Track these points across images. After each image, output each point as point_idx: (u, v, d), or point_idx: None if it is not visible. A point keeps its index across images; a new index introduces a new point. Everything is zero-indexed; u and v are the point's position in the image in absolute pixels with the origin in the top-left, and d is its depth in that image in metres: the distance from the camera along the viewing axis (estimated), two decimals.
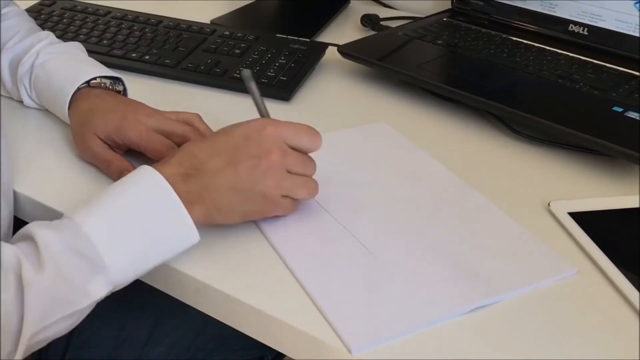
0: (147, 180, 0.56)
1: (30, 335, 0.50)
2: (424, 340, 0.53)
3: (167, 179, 0.55)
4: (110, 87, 0.76)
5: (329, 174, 0.70)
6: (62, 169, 0.72)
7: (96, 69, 0.75)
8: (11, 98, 0.81)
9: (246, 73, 0.62)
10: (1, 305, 0.49)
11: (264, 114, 0.64)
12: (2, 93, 0.81)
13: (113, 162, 0.69)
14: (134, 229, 0.54)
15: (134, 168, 0.68)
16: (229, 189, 0.58)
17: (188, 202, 0.55)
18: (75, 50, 0.80)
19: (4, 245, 0.51)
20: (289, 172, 0.59)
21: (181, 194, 0.55)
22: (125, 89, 0.77)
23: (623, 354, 0.53)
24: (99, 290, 0.53)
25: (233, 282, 0.58)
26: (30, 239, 0.52)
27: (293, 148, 0.60)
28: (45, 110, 0.79)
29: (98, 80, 0.75)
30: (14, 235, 0.55)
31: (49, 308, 0.51)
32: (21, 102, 0.80)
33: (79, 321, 0.54)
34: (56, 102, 0.75)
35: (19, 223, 0.69)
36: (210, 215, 0.58)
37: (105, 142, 0.69)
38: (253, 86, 0.63)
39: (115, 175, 0.68)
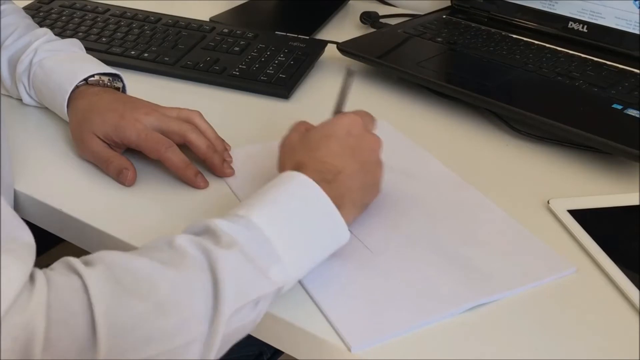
0: (301, 185, 0.56)
1: (228, 316, 0.47)
2: (423, 338, 0.53)
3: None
4: (109, 84, 0.75)
5: None
6: (62, 167, 0.71)
7: (94, 66, 0.75)
8: (10, 96, 0.81)
9: (354, 67, 0.67)
10: (189, 284, 0.47)
11: (341, 107, 0.66)
12: (2, 92, 0.81)
13: (112, 161, 0.68)
14: (295, 226, 0.54)
15: (133, 166, 0.68)
16: (360, 188, 0.60)
17: (335, 205, 0.56)
18: (73, 47, 0.80)
19: (174, 235, 0.50)
20: None
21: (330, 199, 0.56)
22: (124, 86, 0.77)
23: (623, 352, 0.53)
24: (278, 278, 0.51)
25: None
26: (203, 229, 0.52)
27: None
28: (45, 109, 0.79)
29: (96, 77, 0.75)
30: (183, 230, 0.53)
31: (241, 288, 0.49)
32: (20, 100, 0.80)
33: (262, 314, 0.52)
34: (55, 101, 0.74)
35: None
36: (349, 215, 0.59)
37: (104, 141, 0.69)
38: (350, 83, 0.66)
39: (114, 173, 0.68)
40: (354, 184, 0.59)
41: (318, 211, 0.55)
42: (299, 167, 0.58)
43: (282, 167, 0.61)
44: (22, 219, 0.68)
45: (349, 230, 0.57)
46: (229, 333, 0.49)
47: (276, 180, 0.57)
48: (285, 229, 0.53)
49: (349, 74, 0.66)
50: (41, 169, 0.71)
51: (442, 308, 0.55)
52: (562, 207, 0.67)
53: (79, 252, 0.70)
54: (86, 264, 0.48)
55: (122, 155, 0.69)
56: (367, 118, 0.64)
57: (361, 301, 0.55)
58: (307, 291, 0.56)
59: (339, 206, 0.56)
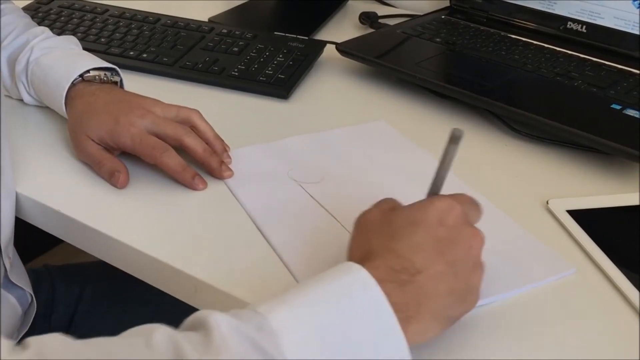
0: (361, 285, 0.45)
1: None
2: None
3: (380, 286, 0.45)
4: (105, 78, 0.75)
5: (328, 173, 0.70)
6: (62, 169, 0.71)
7: (90, 61, 0.75)
8: (10, 97, 0.81)
9: (458, 132, 0.52)
10: None
11: (439, 188, 0.54)
12: (3, 93, 0.81)
13: (105, 163, 0.68)
14: (329, 335, 0.43)
15: (126, 169, 0.68)
16: (448, 293, 0.47)
17: (404, 317, 0.45)
18: (69, 44, 0.79)
19: (160, 328, 0.42)
20: None
21: (396, 306, 0.44)
22: (121, 79, 0.77)
23: (622, 352, 0.53)
24: None
25: (231, 280, 0.58)
26: (200, 325, 0.43)
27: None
28: (45, 109, 0.79)
29: (93, 72, 0.74)
30: (183, 323, 0.45)
31: None
32: (20, 101, 0.80)
33: None
34: (53, 98, 0.74)
35: (18, 223, 0.69)
36: (427, 330, 0.47)
37: (99, 144, 0.69)
38: (454, 152, 0.52)
39: (106, 176, 0.68)
40: (438, 289, 0.47)
41: (372, 323, 0.44)
42: (367, 257, 0.47)
43: (351, 251, 0.51)
44: (22, 219, 0.69)
45: (348, 230, 0.49)
46: None
47: (332, 270, 0.46)
48: (313, 341, 0.42)
49: (454, 141, 0.51)
50: (41, 170, 0.71)
51: None
52: (561, 207, 0.67)
53: (78, 253, 0.71)
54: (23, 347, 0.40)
55: (116, 158, 0.69)
56: (469, 206, 0.52)
57: None
58: None
59: (410, 317, 0.45)
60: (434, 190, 0.53)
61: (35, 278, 0.80)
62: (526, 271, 0.59)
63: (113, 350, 0.40)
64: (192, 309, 0.60)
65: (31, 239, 0.76)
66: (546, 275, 0.59)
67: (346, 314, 0.44)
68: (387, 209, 0.52)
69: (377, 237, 0.49)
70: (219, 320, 0.42)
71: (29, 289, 0.73)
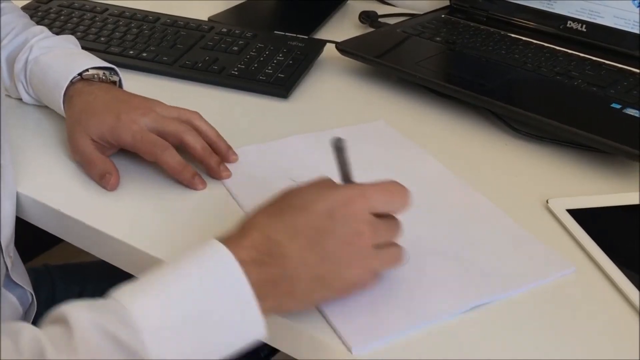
0: (216, 263, 0.47)
1: None
2: (423, 339, 0.53)
3: (240, 266, 0.47)
4: (104, 78, 0.75)
5: (328, 173, 0.69)
6: (61, 168, 0.71)
7: (88, 61, 0.75)
8: (10, 96, 0.81)
9: (339, 143, 0.54)
10: None
11: (347, 179, 0.55)
12: (2, 92, 0.81)
13: (97, 164, 0.68)
14: (190, 318, 0.45)
15: (117, 171, 0.67)
16: (310, 279, 0.50)
17: (260, 295, 0.47)
18: (68, 43, 0.79)
19: (23, 327, 0.44)
20: (375, 245, 0.52)
21: (254, 285, 0.47)
22: (120, 79, 0.77)
23: (621, 351, 0.53)
24: None
25: None
26: (62, 320, 0.44)
27: (380, 214, 0.52)
28: (45, 108, 0.79)
29: (91, 72, 0.74)
30: (45, 317, 0.46)
31: None
32: (20, 100, 0.80)
33: None
34: (52, 97, 0.74)
35: (18, 222, 0.69)
36: (280, 305, 0.50)
37: (98, 143, 0.69)
38: (343, 156, 0.54)
39: (97, 176, 0.68)
40: (301, 275, 0.49)
41: (229, 300, 0.46)
42: (242, 233, 0.50)
43: (246, 215, 0.53)
44: (22, 218, 0.69)
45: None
46: None
47: (196, 247, 0.49)
48: (172, 321, 0.45)
49: (337, 149, 0.54)
50: (41, 170, 0.71)
51: (442, 309, 0.55)
52: (561, 206, 0.67)
53: (78, 252, 0.71)
54: None
55: (109, 160, 0.69)
56: (381, 196, 0.52)
57: (360, 302, 0.55)
58: None
59: (266, 294, 0.48)
60: (345, 179, 0.54)
61: (36, 277, 0.80)
62: (526, 271, 0.59)
63: None
64: None
65: (31, 239, 0.76)
66: (546, 274, 0.59)
67: (207, 298, 0.46)
68: (311, 186, 0.53)
69: (265, 212, 0.52)
70: (79, 316, 0.43)
71: (29, 288, 0.73)
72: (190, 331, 0.45)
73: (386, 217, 0.53)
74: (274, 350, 0.91)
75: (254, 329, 0.48)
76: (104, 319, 0.44)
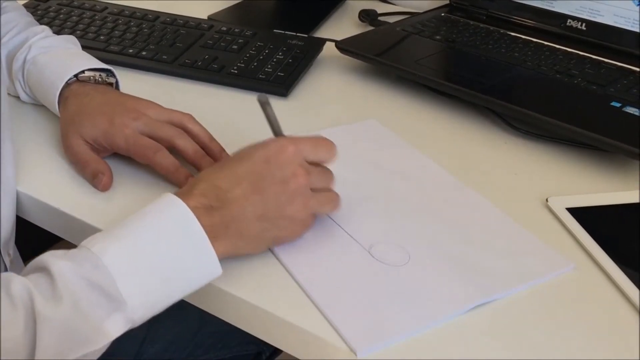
0: (171, 211, 0.54)
1: None
2: (425, 339, 0.53)
3: (192, 212, 0.53)
4: (100, 79, 0.75)
5: None
6: (60, 166, 0.71)
7: (85, 62, 0.74)
8: (9, 94, 0.81)
9: (262, 98, 0.62)
10: (9, 343, 0.47)
11: (278, 132, 0.62)
12: (3, 90, 0.81)
13: (90, 164, 0.68)
14: (154, 262, 0.52)
15: (110, 171, 0.68)
16: (256, 219, 0.56)
17: (212, 236, 0.53)
18: (68, 43, 0.79)
19: (12, 276, 0.49)
20: (312, 189, 0.58)
21: (206, 227, 0.53)
22: (117, 81, 0.77)
23: (621, 349, 0.53)
24: (116, 329, 0.50)
25: (231, 279, 0.57)
26: (44, 270, 0.50)
27: (312, 163, 0.59)
28: (42, 106, 0.79)
29: (88, 73, 0.74)
30: (26, 267, 0.52)
31: (64, 346, 0.48)
32: (18, 98, 0.80)
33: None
34: (48, 98, 0.74)
35: (17, 221, 0.69)
36: (235, 247, 0.56)
37: (90, 144, 0.69)
38: (269, 110, 0.62)
39: (89, 177, 0.68)
40: (247, 214, 0.55)
41: (185, 242, 0.53)
42: (191, 187, 0.56)
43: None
44: (21, 217, 0.69)
45: (345, 230, 0.55)
46: None
47: (152, 203, 0.54)
48: (140, 268, 0.51)
49: (262, 105, 0.62)
50: (39, 168, 0.71)
51: (444, 309, 0.55)
52: (560, 205, 0.67)
53: None
54: None
55: (102, 160, 0.68)
56: (309, 146, 0.59)
57: (363, 304, 0.55)
58: (307, 294, 0.56)
59: (218, 235, 0.54)
60: (276, 134, 0.61)
61: None
62: (526, 269, 0.59)
63: None
64: (192, 307, 0.61)
65: (30, 237, 0.76)
66: (546, 272, 0.59)
67: (167, 243, 0.52)
68: (258, 146, 0.59)
69: (210, 168, 0.59)
70: (60, 265, 0.49)
71: None
72: (155, 273, 0.52)
73: (319, 167, 0.59)
74: (276, 351, 0.91)
75: (209, 266, 0.54)
76: (83, 268, 0.49)
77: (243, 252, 0.58)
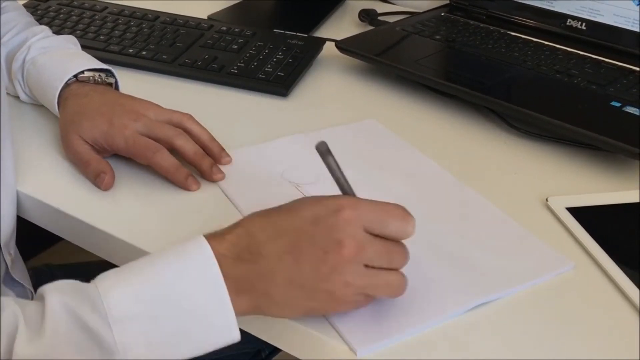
0: (193, 255, 0.48)
1: None
2: (425, 339, 0.53)
3: (217, 258, 0.48)
4: (100, 80, 0.75)
5: (323, 173, 0.69)
6: (61, 166, 0.71)
7: (84, 62, 0.74)
8: (8, 94, 0.81)
9: (322, 147, 0.52)
10: None
11: (345, 190, 0.53)
12: (3, 90, 0.81)
13: (91, 164, 0.68)
14: (163, 310, 0.46)
15: (112, 170, 0.68)
16: (287, 283, 0.49)
17: (235, 289, 0.48)
18: (67, 43, 0.79)
19: (8, 303, 0.46)
20: (367, 266, 0.49)
21: (230, 279, 0.47)
22: (116, 81, 0.77)
23: (621, 349, 0.53)
24: None
25: None
26: (41, 299, 0.47)
27: (378, 235, 0.50)
28: (42, 106, 0.79)
29: (88, 73, 0.74)
30: (38, 290, 0.48)
31: None
32: (17, 97, 0.80)
33: None
34: (47, 98, 0.74)
35: (18, 221, 0.69)
36: (260, 306, 0.49)
37: (90, 144, 0.69)
38: (331, 160, 0.52)
39: (92, 176, 0.68)
40: (277, 274, 0.48)
41: (201, 288, 0.47)
42: (231, 227, 0.50)
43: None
44: (22, 217, 0.69)
45: None
46: None
47: (183, 242, 0.49)
48: (145, 312, 0.46)
49: (323, 155, 0.52)
50: (39, 168, 0.71)
51: (445, 309, 0.55)
52: (560, 204, 0.67)
53: (77, 251, 0.70)
54: None
55: (103, 159, 0.69)
56: (375, 216, 0.49)
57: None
58: None
59: (241, 291, 0.48)
60: (342, 189, 0.53)
61: (37, 277, 0.80)
62: (525, 269, 0.59)
63: None
64: None
65: (31, 237, 0.76)
66: (545, 272, 0.59)
67: (180, 289, 0.47)
68: (322, 200, 0.51)
69: (259, 212, 0.51)
70: (54, 297, 0.45)
71: (29, 285, 0.73)
72: (162, 323, 0.46)
73: (389, 240, 0.50)
74: (275, 350, 0.91)
75: (226, 324, 0.47)
76: (77, 304, 0.45)
77: (268, 313, 0.51)
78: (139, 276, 0.47)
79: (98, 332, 0.45)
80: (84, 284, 0.47)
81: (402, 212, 0.50)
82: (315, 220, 0.49)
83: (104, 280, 0.47)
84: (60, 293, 0.46)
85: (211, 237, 0.49)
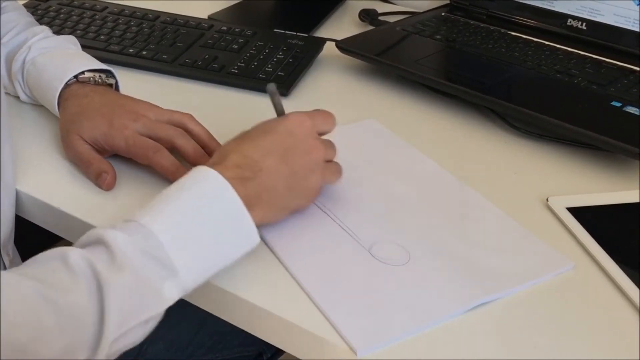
0: (210, 183, 0.55)
1: (111, 341, 0.48)
2: (425, 339, 0.53)
3: (229, 183, 0.55)
4: (100, 80, 0.75)
5: None
6: (60, 165, 0.71)
7: (84, 63, 0.74)
8: (8, 94, 0.81)
9: (272, 88, 0.64)
10: (74, 309, 0.47)
11: (282, 112, 0.64)
12: (2, 90, 0.81)
13: (93, 163, 0.68)
14: (199, 232, 0.54)
15: (113, 170, 0.68)
16: (285, 189, 0.59)
17: (248, 206, 0.55)
18: (67, 44, 0.79)
19: (68, 249, 0.50)
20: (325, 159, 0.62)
21: (243, 197, 0.55)
22: (117, 82, 0.77)
23: (621, 349, 0.53)
24: (172, 294, 0.52)
25: (232, 279, 0.58)
26: (100, 242, 0.51)
27: (320, 134, 0.63)
28: (41, 107, 0.79)
29: (87, 74, 0.74)
30: (79, 240, 0.53)
31: (129, 313, 0.49)
32: (17, 97, 0.80)
33: (151, 329, 0.52)
34: (47, 99, 0.74)
35: (17, 220, 0.69)
36: (266, 216, 0.59)
37: (90, 144, 0.69)
38: (277, 99, 0.64)
39: (93, 176, 0.68)
40: (277, 184, 0.58)
41: (225, 212, 0.55)
42: (222, 158, 0.58)
43: (216, 151, 0.61)
44: (21, 216, 0.69)
45: (346, 229, 0.56)
46: (114, 352, 0.50)
47: (188, 176, 0.56)
48: (187, 237, 0.53)
49: (271, 93, 0.64)
50: (39, 167, 0.71)
51: (445, 309, 0.55)
52: (561, 204, 0.67)
53: None
54: None
55: (105, 159, 0.69)
56: (320, 119, 0.63)
57: (363, 304, 0.55)
58: (308, 294, 0.56)
59: (252, 205, 0.55)
60: (280, 113, 0.64)
61: None
62: (526, 269, 0.59)
63: (42, 276, 0.48)
64: (193, 307, 0.61)
65: (30, 237, 0.76)
66: (546, 272, 0.59)
67: (208, 214, 0.54)
68: (267, 122, 0.62)
69: (234, 142, 0.60)
70: (116, 238, 0.50)
71: None
72: (200, 242, 0.53)
73: (327, 139, 0.63)
74: (278, 351, 0.91)
75: (249, 235, 0.55)
76: (137, 239, 0.51)
77: (271, 220, 0.60)
78: (171, 210, 0.53)
79: (159, 256, 0.51)
80: (122, 222, 0.53)
81: (329, 113, 0.64)
82: (290, 133, 0.60)
83: (142, 216, 0.53)
84: (117, 232, 0.51)
85: (214, 167, 0.56)
